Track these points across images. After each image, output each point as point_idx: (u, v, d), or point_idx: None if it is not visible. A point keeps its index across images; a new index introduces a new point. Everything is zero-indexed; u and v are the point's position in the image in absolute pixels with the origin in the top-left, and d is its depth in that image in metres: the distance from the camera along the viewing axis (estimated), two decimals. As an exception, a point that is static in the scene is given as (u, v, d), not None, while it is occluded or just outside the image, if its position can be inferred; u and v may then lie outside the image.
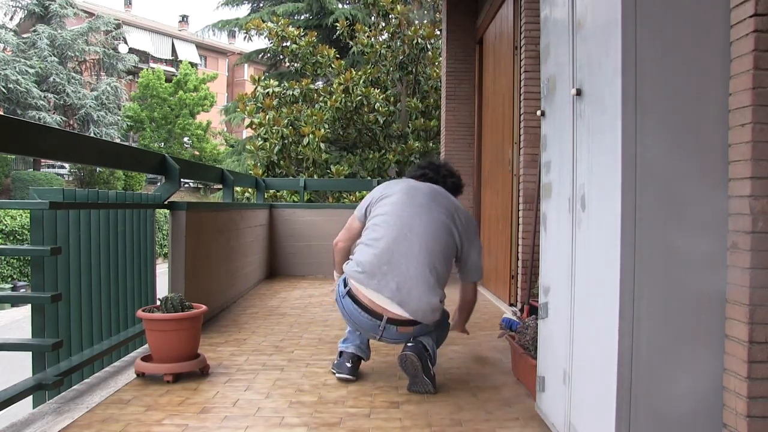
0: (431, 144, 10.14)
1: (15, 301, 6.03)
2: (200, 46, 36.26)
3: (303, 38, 10.57)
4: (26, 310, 9.47)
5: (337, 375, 2.78)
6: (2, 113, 20.84)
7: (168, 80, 28.71)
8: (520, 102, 4.15)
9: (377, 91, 9.93)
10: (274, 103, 10.11)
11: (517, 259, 4.24)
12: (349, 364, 2.75)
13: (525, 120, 3.99)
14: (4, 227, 13.78)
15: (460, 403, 2.45)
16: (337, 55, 10.71)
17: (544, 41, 2.27)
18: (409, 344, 2.60)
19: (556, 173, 2.12)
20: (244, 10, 19.59)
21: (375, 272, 2.60)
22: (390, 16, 10.25)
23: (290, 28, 10.79)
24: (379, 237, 2.66)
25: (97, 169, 22.90)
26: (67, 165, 24.24)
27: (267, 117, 9.83)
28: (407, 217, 2.67)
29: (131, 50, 29.62)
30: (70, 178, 24.33)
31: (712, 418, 1.56)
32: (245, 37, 11.81)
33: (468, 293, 2.96)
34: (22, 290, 12.89)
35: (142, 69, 29.54)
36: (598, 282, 1.70)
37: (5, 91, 21.87)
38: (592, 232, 1.76)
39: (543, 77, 2.28)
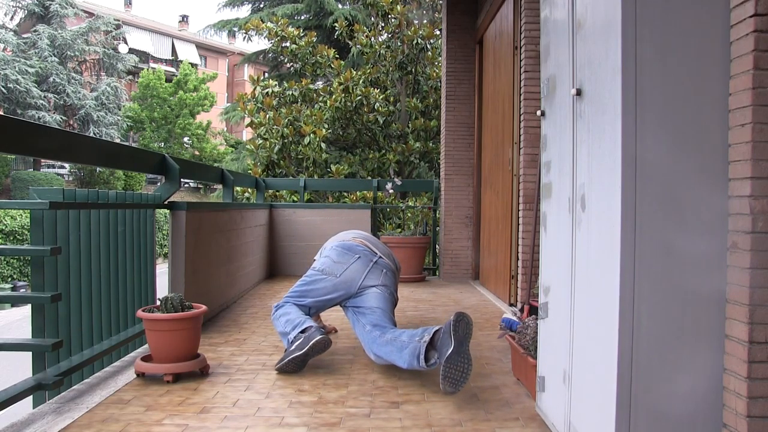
0: (431, 144, 10.13)
1: (15, 301, 6.01)
2: (200, 47, 36.29)
3: (302, 38, 10.57)
4: (26, 310, 9.48)
5: (312, 342, 2.77)
6: (2, 113, 20.86)
7: (168, 80, 28.73)
8: (520, 102, 4.15)
9: (377, 91, 9.92)
10: (274, 102, 10.11)
11: (517, 259, 4.24)
12: (321, 329, 2.85)
13: (525, 120, 3.99)
14: (4, 227, 13.78)
15: (460, 403, 2.45)
16: (337, 56, 10.70)
17: (544, 41, 2.27)
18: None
19: (556, 173, 2.12)
20: (244, 11, 19.61)
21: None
22: (389, 16, 10.25)
23: (289, 29, 10.77)
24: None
25: (97, 169, 22.92)
26: (67, 165, 24.25)
27: (267, 116, 9.83)
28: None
29: (131, 50, 29.67)
30: (70, 178, 24.34)
31: (712, 418, 1.56)
32: (245, 38, 11.81)
33: None
34: (22, 290, 12.90)
35: (142, 69, 29.59)
36: (598, 282, 1.70)
37: (5, 90, 21.89)
38: (592, 232, 1.76)
39: (543, 77, 2.28)
